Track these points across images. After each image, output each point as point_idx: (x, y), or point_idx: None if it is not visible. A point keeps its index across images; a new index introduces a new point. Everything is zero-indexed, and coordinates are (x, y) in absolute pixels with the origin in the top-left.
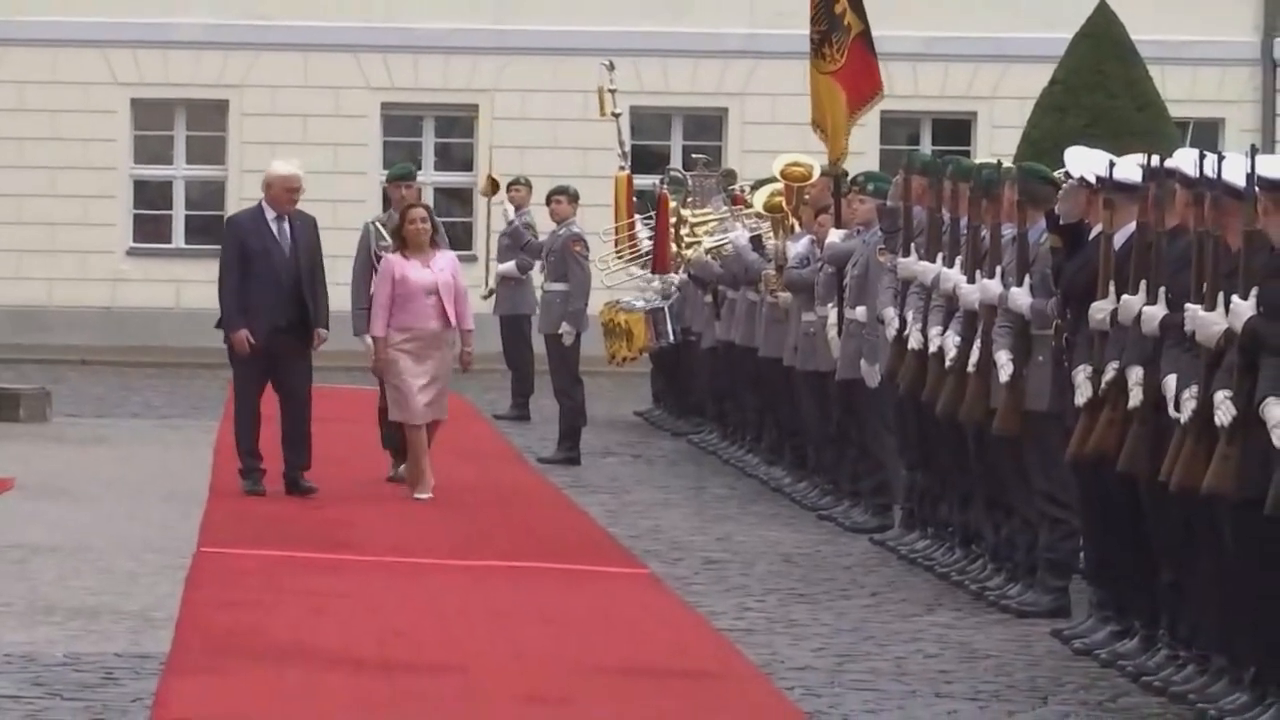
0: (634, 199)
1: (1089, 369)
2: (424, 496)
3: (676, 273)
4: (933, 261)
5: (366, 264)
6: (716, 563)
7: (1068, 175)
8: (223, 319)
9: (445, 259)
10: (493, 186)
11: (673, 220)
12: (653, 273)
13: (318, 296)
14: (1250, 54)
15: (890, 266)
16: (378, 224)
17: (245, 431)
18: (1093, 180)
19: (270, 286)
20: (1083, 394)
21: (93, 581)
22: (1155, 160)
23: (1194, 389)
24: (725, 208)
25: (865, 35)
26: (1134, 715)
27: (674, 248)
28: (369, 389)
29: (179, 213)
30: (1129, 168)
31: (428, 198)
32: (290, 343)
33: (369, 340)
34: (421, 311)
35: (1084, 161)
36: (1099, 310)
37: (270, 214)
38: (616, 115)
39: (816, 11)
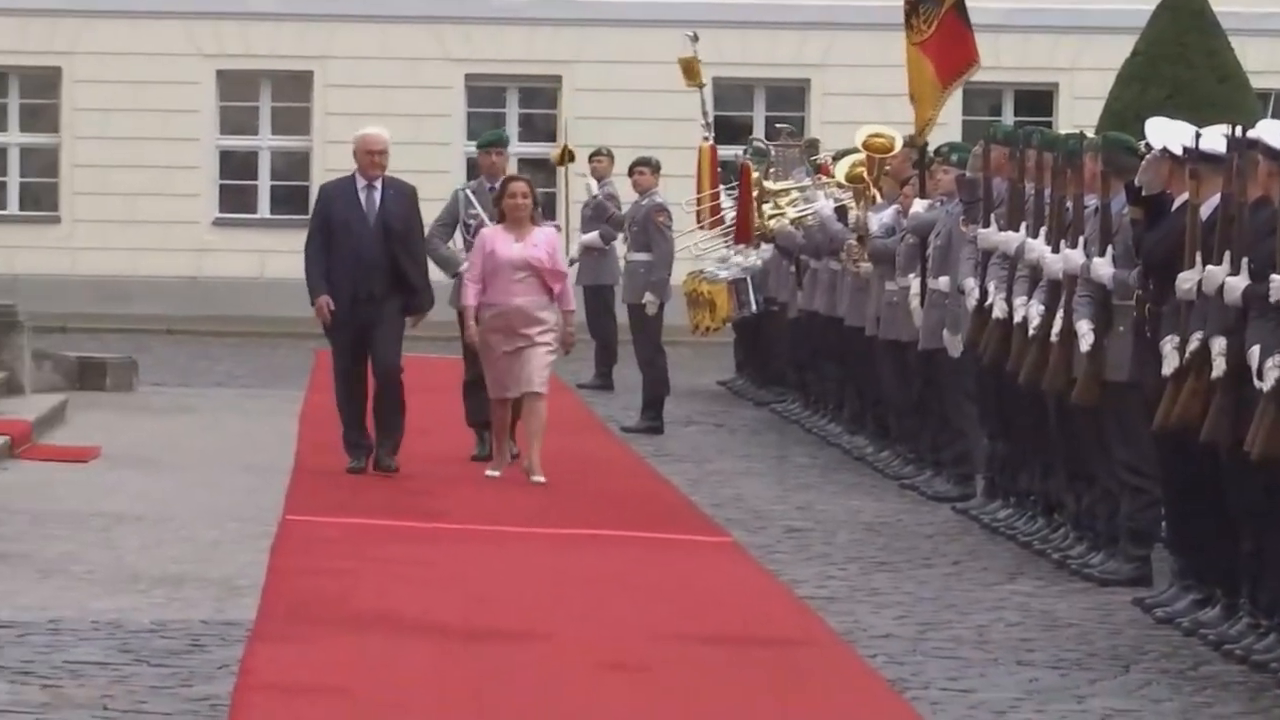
0: (719, 169)
1: (1176, 339)
2: (494, 474)
3: (758, 244)
4: (1015, 232)
5: (450, 225)
6: (798, 531)
7: (1149, 147)
8: (307, 285)
9: (543, 235)
10: (566, 156)
11: (754, 191)
12: (736, 243)
13: (414, 268)
14: None
15: (971, 237)
16: (468, 192)
17: (343, 404)
18: (1175, 151)
19: (349, 256)
20: (1169, 364)
21: (178, 549)
22: (1239, 131)
23: (1278, 358)
24: (808, 178)
25: (960, 6)
26: (1215, 683)
27: (756, 218)
28: (456, 358)
29: (264, 183)
30: (1215, 139)
31: (511, 168)
32: (376, 315)
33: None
34: (505, 288)
35: (1166, 133)
36: (1185, 280)
37: (360, 182)
38: (702, 86)
39: None
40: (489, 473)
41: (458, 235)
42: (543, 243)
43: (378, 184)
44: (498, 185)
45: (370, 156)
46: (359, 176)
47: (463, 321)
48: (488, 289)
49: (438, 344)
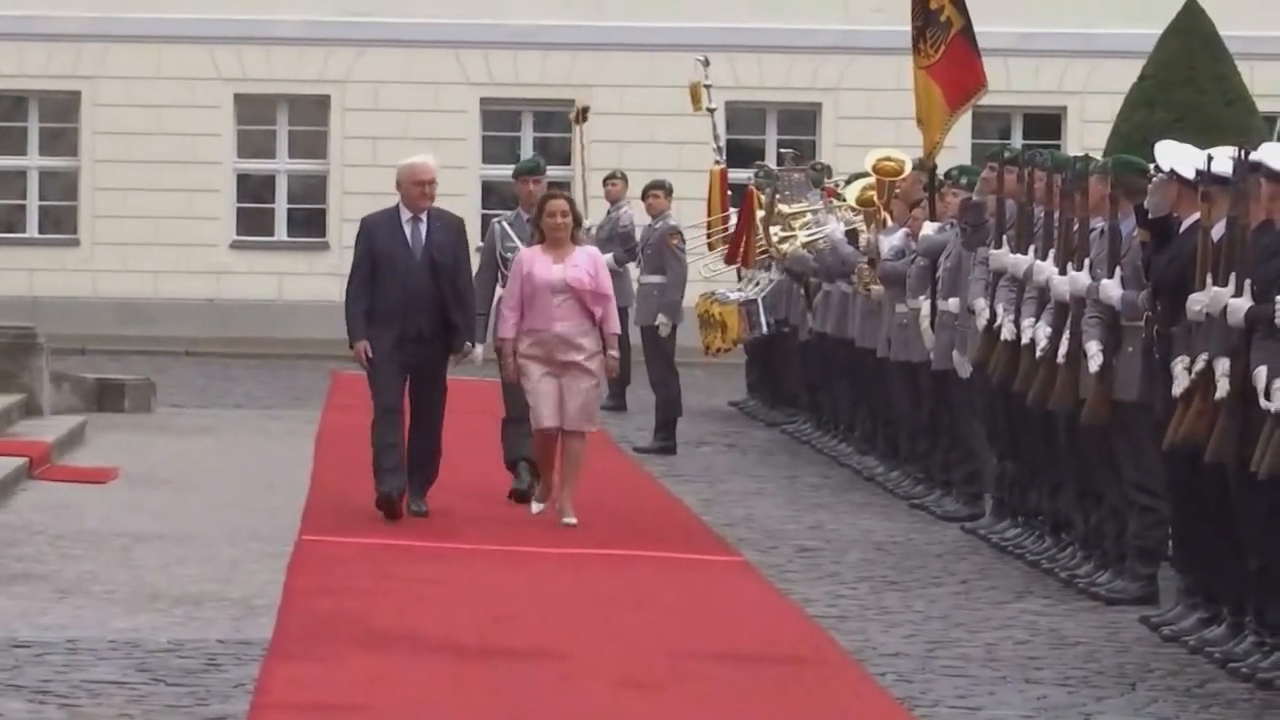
0: (729, 192)
1: (1186, 360)
2: (538, 509)
3: (769, 267)
4: (1024, 254)
5: (492, 266)
6: (810, 551)
7: (1157, 169)
8: (347, 328)
9: (584, 255)
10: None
11: (760, 214)
12: (727, 264)
13: (463, 306)
14: None
15: (982, 259)
16: (504, 224)
17: (381, 448)
18: (1183, 174)
19: (396, 294)
20: (1179, 385)
21: (196, 569)
22: (1242, 154)
23: None
24: (819, 201)
25: (967, 31)
26: (1221, 701)
27: (766, 241)
28: (489, 380)
29: (281, 206)
30: (1225, 161)
31: None
32: (425, 354)
33: (477, 351)
34: (545, 312)
35: (1175, 156)
36: (1196, 302)
37: (405, 215)
38: (711, 110)
39: (915, 6)
40: (534, 508)
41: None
42: (584, 263)
43: (424, 216)
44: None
45: (420, 187)
46: (404, 209)
47: (500, 355)
48: (526, 314)
49: (472, 367)
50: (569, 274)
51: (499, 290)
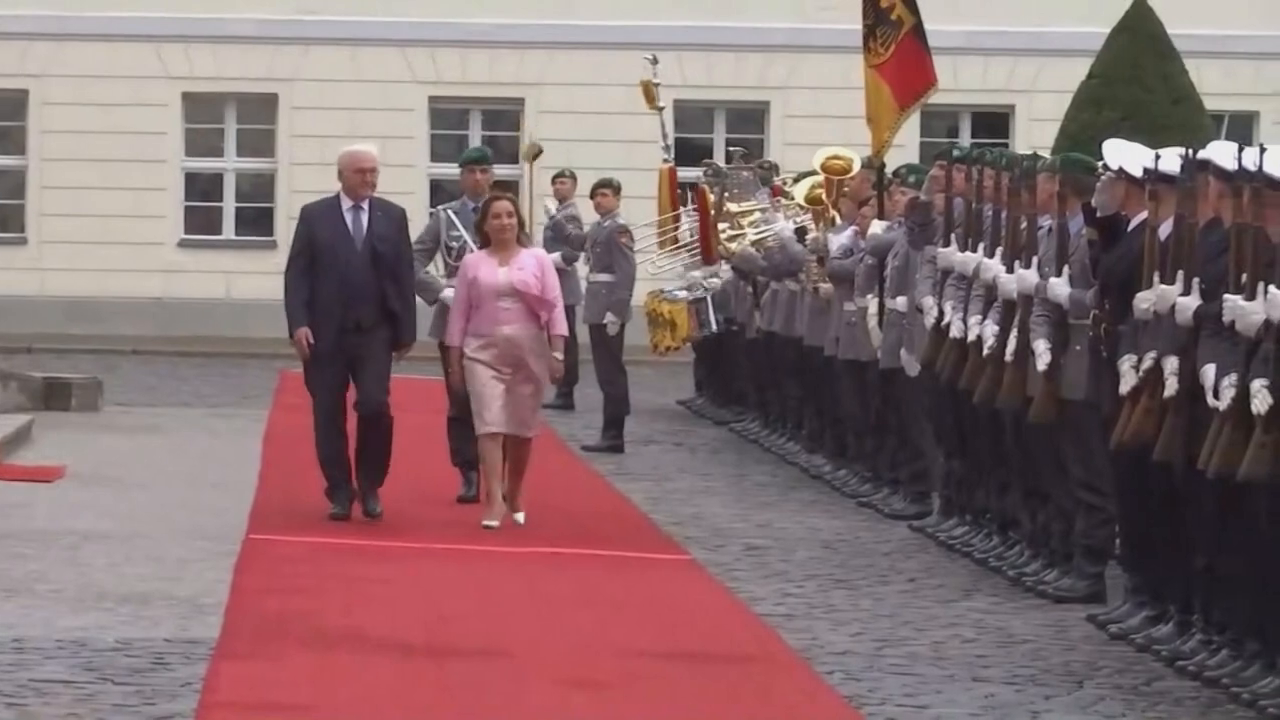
0: (678, 190)
1: (1133, 358)
2: (491, 524)
3: (717, 264)
4: (972, 252)
5: (427, 253)
6: (757, 549)
7: (1105, 168)
8: (286, 315)
9: (531, 258)
10: (534, 152)
11: (712, 213)
12: (705, 264)
13: (404, 297)
14: None
15: (930, 257)
16: (450, 213)
17: (325, 447)
18: (1132, 172)
19: (336, 283)
20: (1127, 383)
21: (143, 568)
22: (1190, 153)
23: (1233, 377)
24: (767, 200)
25: (918, 30)
26: (1168, 699)
27: (714, 240)
28: (435, 379)
29: (229, 205)
30: (1173, 160)
31: None
32: (363, 348)
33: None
34: (492, 316)
35: (1123, 154)
36: (1143, 300)
37: (346, 203)
38: (660, 109)
39: (865, 5)
40: (486, 523)
41: (438, 258)
42: (530, 265)
43: (365, 205)
44: (480, 205)
45: (360, 175)
46: (344, 197)
47: (447, 359)
48: (473, 319)
49: (415, 364)
50: (515, 277)
51: (445, 284)
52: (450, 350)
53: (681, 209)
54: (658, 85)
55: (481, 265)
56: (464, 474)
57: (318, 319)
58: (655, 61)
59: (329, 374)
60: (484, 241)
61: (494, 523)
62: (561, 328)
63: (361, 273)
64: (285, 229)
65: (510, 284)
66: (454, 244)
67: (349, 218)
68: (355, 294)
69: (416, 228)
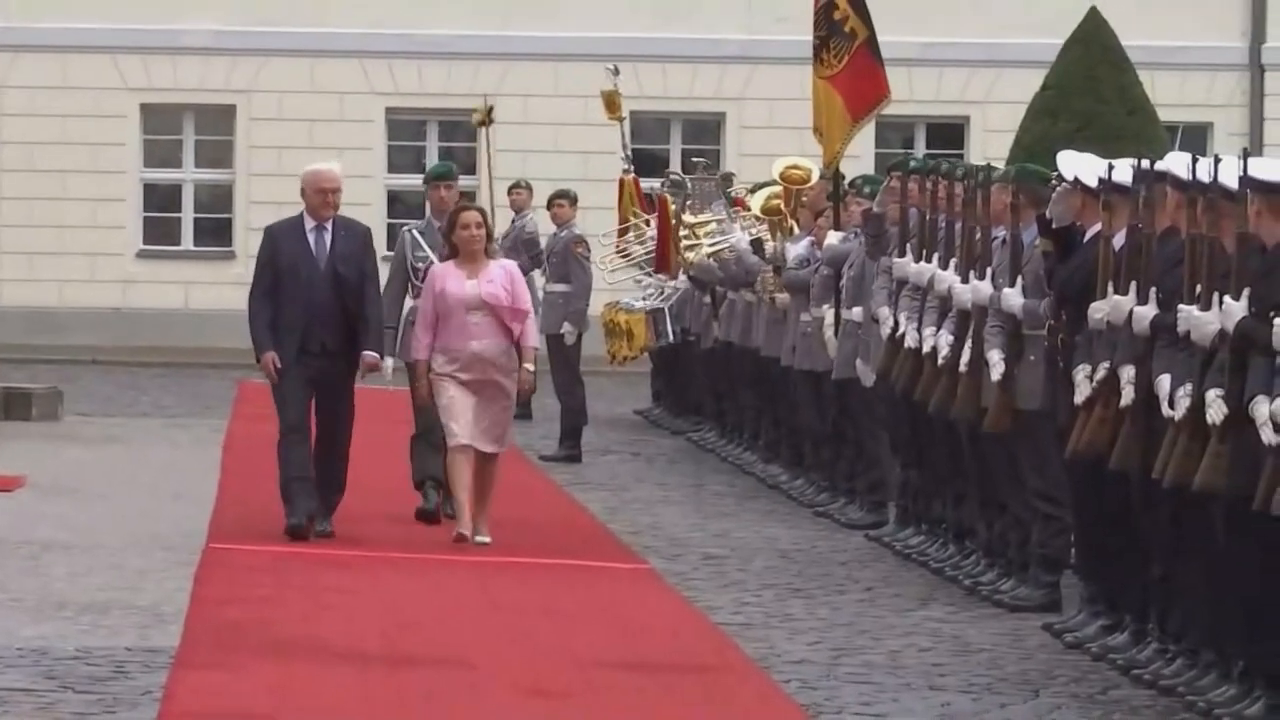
0: (646, 198)
1: (1088, 368)
2: (465, 533)
3: (676, 275)
4: (927, 263)
5: (402, 277)
6: (715, 558)
7: (1060, 179)
8: (252, 339)
9: (500, 270)
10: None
11: (672, 223)
12: (655, 274)
13: (367, 318)
14: (1239, 59)
15: (885, 268)
16: (414, 233)
17: (288, 469)
18: (1087, 183)
19: (299, 305)
20: (1081, 393)
21: (103, 577)
22: (1146, 164)
23: (1188, 387)
24: (725, 211)
25: (871, 42)
26: (1124, 708)
27: (673, 250)
28: (399, 389)
29: (188, 216)
30: (1127, 171)
31: None
32: (327, 371)
33: (387, 364)
34: (461, 331)
35: (1077, 165)
36: (1097, 310)
37: (309, 224)
38: (622, 119)
39: (818, 17)
40: (478, 540)
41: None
42: (500, 277)
43: (329, 225)
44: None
45: (322, 195)
46: (308, 217)
47: (414, 375)
48: (440, 334)
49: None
50: (484, 289)
51: (409, 302)
52: (416, 364)
53: (646, 217)
54: (619, 96)
55: (449, 277)
56: (423, 494)
57: (282, 341)
58: (617, 72)
59: (293, 392)
60: (451, 252)
61: (467, 531)
62: (533, 339)
63: (324, 294)
64: (244, 240)
65: (480, 297)
66: (419, 265)
67: (311, 238)
68: (318, 316)
69: (377, 239)
